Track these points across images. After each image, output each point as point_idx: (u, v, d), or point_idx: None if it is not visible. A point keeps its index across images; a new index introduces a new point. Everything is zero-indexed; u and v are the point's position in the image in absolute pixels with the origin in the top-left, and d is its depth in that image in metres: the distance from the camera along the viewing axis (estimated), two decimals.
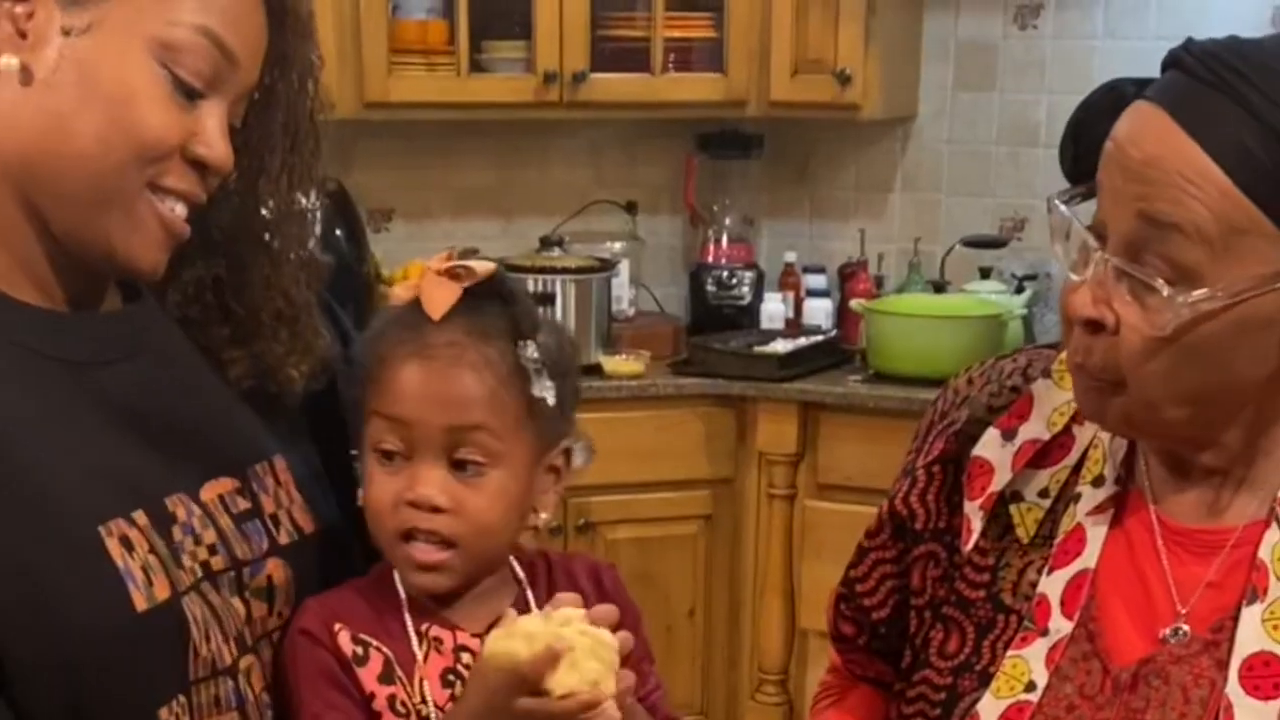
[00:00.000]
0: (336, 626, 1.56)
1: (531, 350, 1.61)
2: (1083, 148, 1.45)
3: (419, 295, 1.59)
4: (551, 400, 1.61)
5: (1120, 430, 1.50)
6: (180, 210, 1.48)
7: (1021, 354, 1.66)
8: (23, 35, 1.42)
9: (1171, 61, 1.40)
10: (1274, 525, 1.44)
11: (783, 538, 4.36)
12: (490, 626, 1.57)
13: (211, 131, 1.46)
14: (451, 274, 1.59)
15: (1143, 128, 1.37)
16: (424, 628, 1.59)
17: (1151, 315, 1.36)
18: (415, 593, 1.60)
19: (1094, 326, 1.40)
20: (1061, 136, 1.49)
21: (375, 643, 1.57)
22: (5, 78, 1.42)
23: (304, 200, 1.62)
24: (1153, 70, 4.15)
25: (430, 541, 1.57)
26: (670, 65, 4.58)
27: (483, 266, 1.60)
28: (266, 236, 1.61)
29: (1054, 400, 1.56)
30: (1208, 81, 1.35)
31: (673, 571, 4.42)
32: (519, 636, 1.46)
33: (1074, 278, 1.42)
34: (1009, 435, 1.57)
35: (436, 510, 1.57)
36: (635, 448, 4.25)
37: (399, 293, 1.62)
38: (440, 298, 1.57)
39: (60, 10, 1.42)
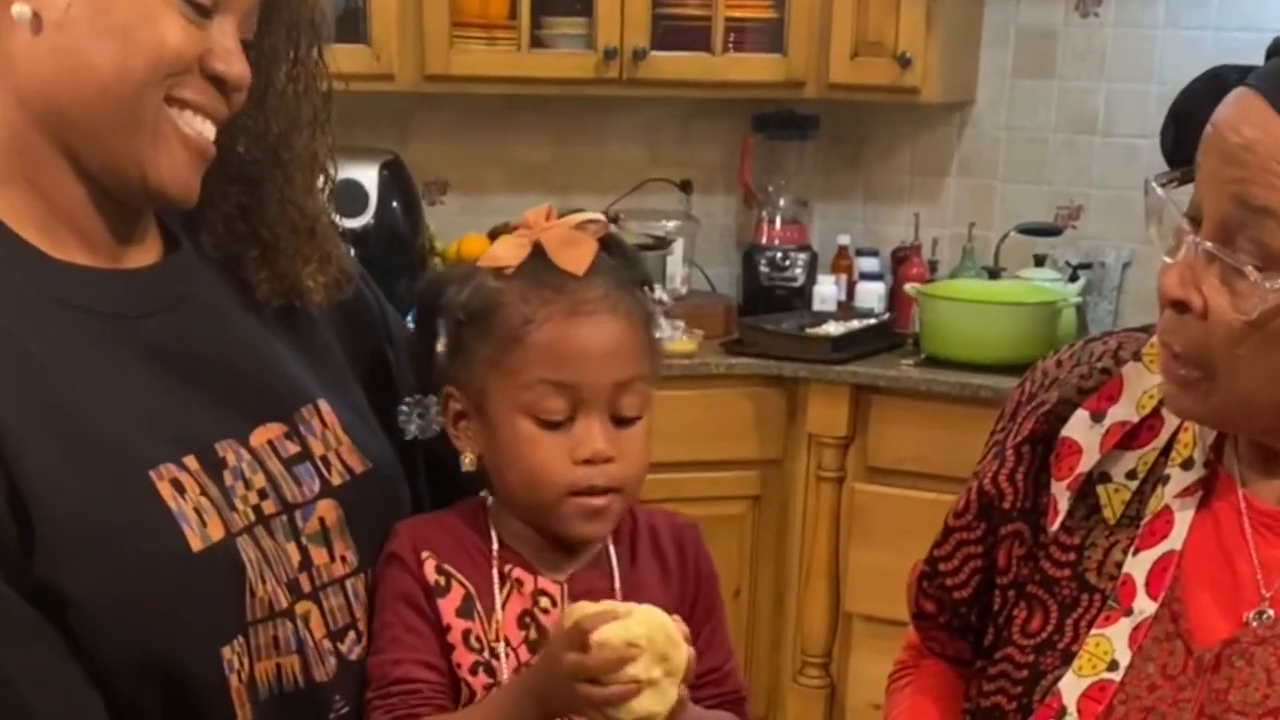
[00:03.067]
0: (424, 554, 1.60)
1: (659, 293, 1.65)
2: (1183, 132, 1.46)
3: (550, 253, 1.59)
4: (667, 341, 1.63)
5: (1210, 424, 1.51)
6: (206, 130, 1.50)
7: (1112, 336, 1.67)
8: None
9: (1275, 49, 1.41)
10: None
11: (830, 521, 4.36)
12: (572, 575, 1.63)
13: (227, 47, 1.49)
14: (580, 228, 1.61)
15: (1242, 113, 1.37)
16: (507, 568, 1.62)
17: (1239, 300, 1.37)
18: (578, 541, 1.63)
19: (1182, 308, 1.42)
20: (1163, 121, 1.51)
21: (459, 575, 1.60)
22: (18, 27, 1.44)
23: (312, 111, 1.64)
24: (1213, 60, 4.14)
25: (597, 491, 1.59)
26: (730, 45, 4.59)
27: (600, 219, 1.63)
28: (278, 152, 1.62)
29: (1144, 383, 1.57)
30: None
31: (719, 552, 4.31)
32: (596, 606, 1.49)
33: (1167, 260, 1.43)
34: (1098, 417, 1.58)
35: (608, 461, 1.59)
36: (685, 427, 4.25)
37: (501, 254, 1.62)
38: (582, 254, 1.59)
39: None
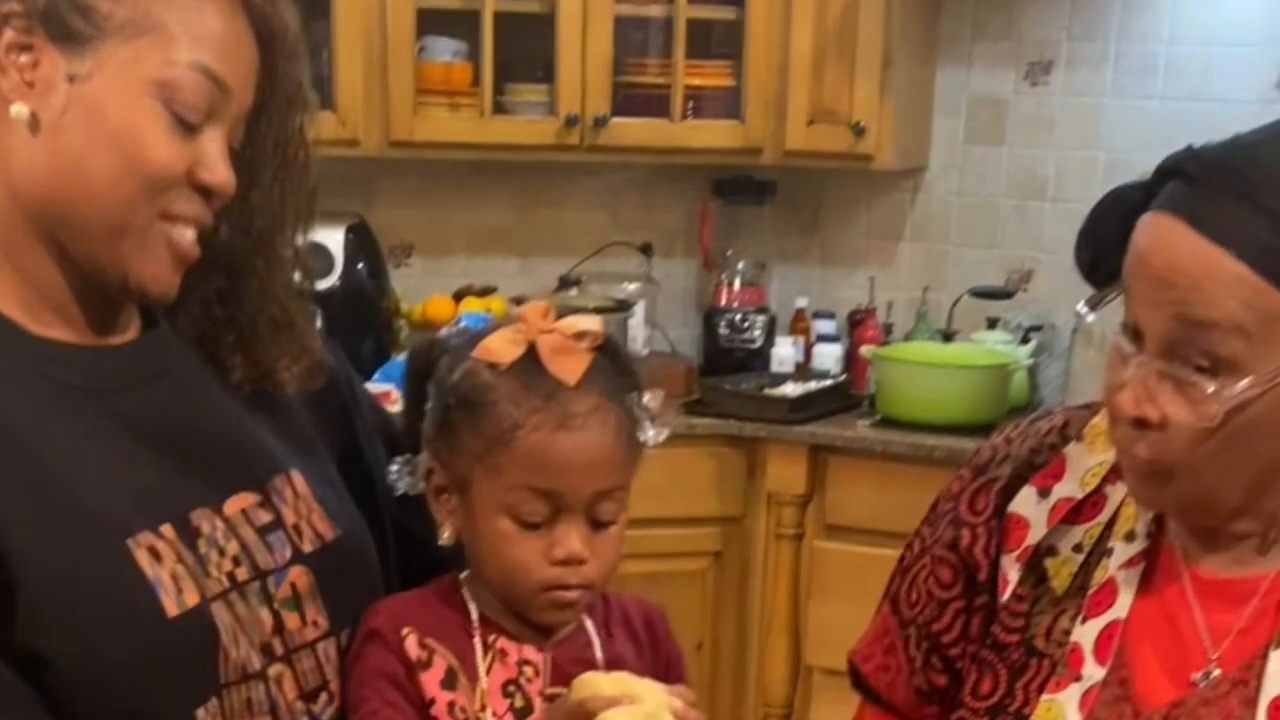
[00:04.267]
0: (405, 630, 1.62)
1: (647, 399, 1.68)
2: (1096, 252, 1.53)
3: (544, 360, 1.61)
4: (654, 444, 1.69)
5: (1175, 514, 1.58)
6: (190, 235, 1.55)
7: (1059, 414, 1.73)
8: (30, 84, 1.49)
9: (1173, 168, 1.47)
10: None
11: (790, 576, 4.42)
12: (554, 646, 1.67)
13: (214, 158, 1.53)
14: (578, 338, 1.64)
15: (1164, 238, 1.44)
16: (490, 639, 1.65)
17: (1199, 408, 1.43)
18: (547, 625, 1.67)
19: (1141, 423, 1.48)
20: (1076, 242, 1.57)
21: (441, 649, 1.63)
22: (16, 125, 1.49)
23: (296, 211, 1.67)
24: (1159, 127, 4.17)
25: (570, 588, 1.63)
26: (689, 112, 4.64)
27: (597, 325, 1.66)
28: (260, 247, 1.66)
29: (1087, 463, 1.65)
30: (1217, 187, 1.42)
31: (681, 606, 4.42)
32: (609, 681, 1.54)
33: (1115, 378, 1.50)
34: (1044, 493, 1.65)
35: (581, 562, 1.63)
36: (647, 485, 4.16)
37: (498, 350, 1.63)
38: (575, 365, 1.62)
39: (64, 58, 1.48)
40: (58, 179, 1.50)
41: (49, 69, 1.49)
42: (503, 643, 1.66)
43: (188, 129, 1.51)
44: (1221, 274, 1.41)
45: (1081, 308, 1.56)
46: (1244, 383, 1.42)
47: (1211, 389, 1.43)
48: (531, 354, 1.63)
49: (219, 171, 1.53)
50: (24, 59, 1.48)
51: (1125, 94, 4.63)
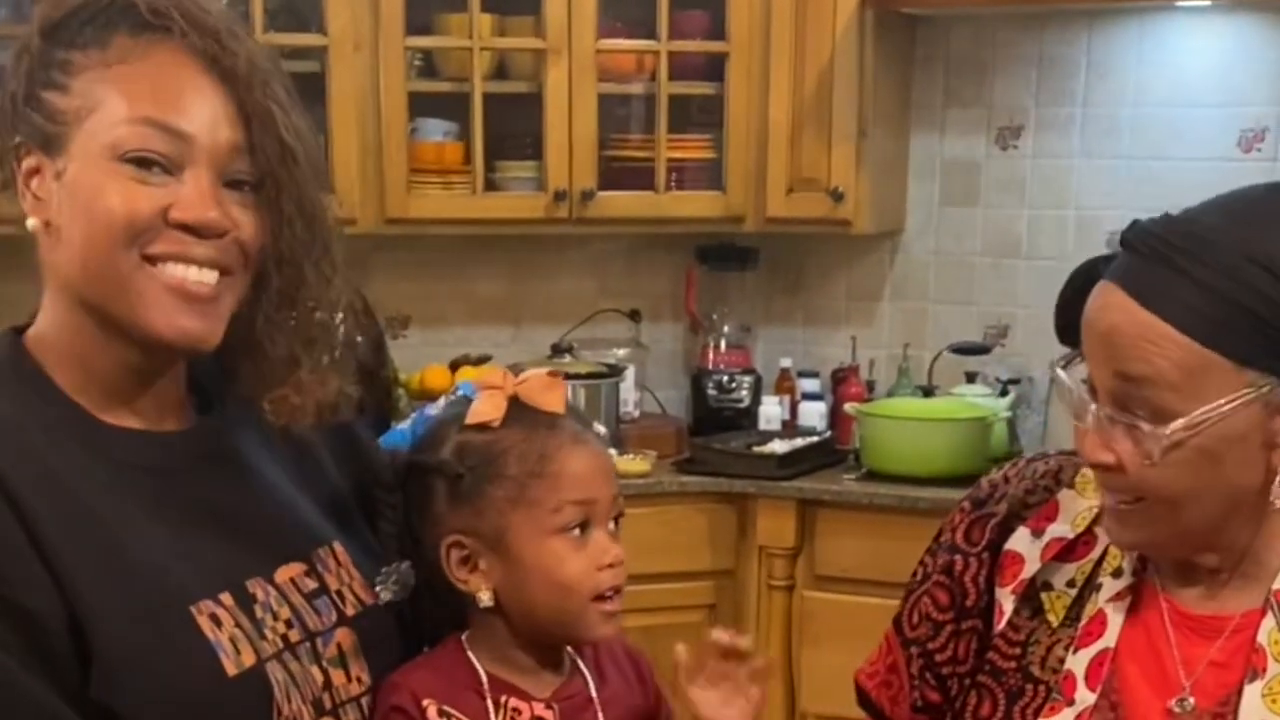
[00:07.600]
0: (425, 702, 1.75)
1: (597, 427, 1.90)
2: (1069, 318, 1.70)
3: (533, 401, 1.81)
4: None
5: (1150, 551, 1.74)
6: (192, 274, 1.61)
7: (1053, 457, 1.89)
8: (39, 199, 1.62)
9: (1122, 240, 1.65)
10: (1270, 614, 1.68)
11: (782, 626, 4.52)
12: (554, 695, 1.81)
13: (185, 196, 1.59)
14: (551, 376, 1.85)
15: (1106, 303, 1.62)
16: (502, 699, 1.79)
17: (1143, 447, 1.62)
18: (599, 640, 1.84)
19: (1104, 466, 1.66)
20: (1055, 310, 1.74)
21: (458, 715, 1.76)
22: (42, 235, 1.63)
23: (323, 241, 1.72)
24: (1124, 184, 4.28)
25: (616, 592, 1.82)
26: (673, 184, 4.76)
27: (555, 370, 1.89)
28: (300, 274, 1.70)
29: (1077, 507, 1.81)
30: (1150, 256, 1.60)
31: None
32: None
33: (1079, 426, 1.68)
34: (1038, 534, 1.81)
35: (620, 564, 1.82)
36: (642, 542, 4.29)
37: (486, 411, 1.81)
38: (559, 397, 1.83)
39: (51, 163, 1.61)
40: (70, 263, 1.62)
41: (48, 178, 1.62)
42: (514, 702, 1.79)
43: (146, 169, 1.59)
44: (1152, 335, 1.59)
45: (1054, 367, 1.73)
46: (1176, 424, 1.59)
47: (1148, 429, 1.61)
48: (515, 404, 1.82)
49: (190, 207, 1.59)
50: (35, 180, 1.63)
51: (1092, 155, 4.76)
